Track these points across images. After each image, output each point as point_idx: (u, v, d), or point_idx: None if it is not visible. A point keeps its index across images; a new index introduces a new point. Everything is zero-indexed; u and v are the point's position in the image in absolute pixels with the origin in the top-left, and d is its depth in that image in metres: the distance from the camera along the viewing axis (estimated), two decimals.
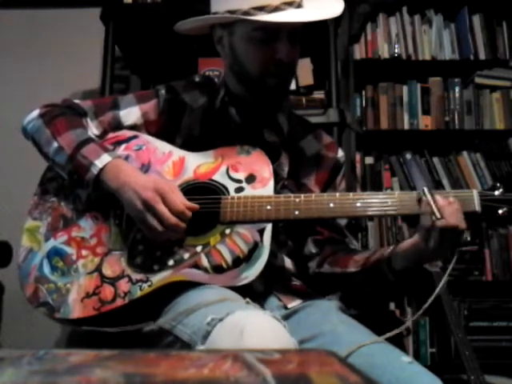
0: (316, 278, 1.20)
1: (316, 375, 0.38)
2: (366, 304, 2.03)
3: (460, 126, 2.41)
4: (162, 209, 1.02)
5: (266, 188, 1.09)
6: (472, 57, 2.43)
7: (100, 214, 1.14)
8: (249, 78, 1.17)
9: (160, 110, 1.23)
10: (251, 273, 1.00)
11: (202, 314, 0.87)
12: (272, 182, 1.10)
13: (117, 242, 1.10)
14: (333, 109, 1.97)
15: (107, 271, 1.07)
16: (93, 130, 1.21)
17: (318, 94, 2.15)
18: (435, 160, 2.42)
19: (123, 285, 1.04)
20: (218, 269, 1.02)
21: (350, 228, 1.27)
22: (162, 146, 1.19)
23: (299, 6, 1.12)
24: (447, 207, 0.96)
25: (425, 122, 2.42)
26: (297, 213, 1.06)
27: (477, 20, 2.48)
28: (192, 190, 1.12)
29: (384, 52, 2.45)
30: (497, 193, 1.02)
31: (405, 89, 2.45)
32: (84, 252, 1.10)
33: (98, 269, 1.07)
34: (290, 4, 1.10)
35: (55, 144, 1.13)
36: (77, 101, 1.26)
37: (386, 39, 2.47)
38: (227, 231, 1.06)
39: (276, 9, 1.09)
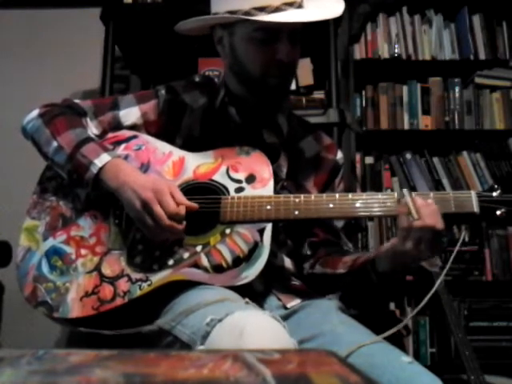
0: (309, 279, 1.21)
1: (316, 375, 0.38)
2: (366, 304, 2.03)
3: (460, 126, 2.41)
4: (157, 210, 1.02)
5: (265, 188, 1.09)
6: (472, 57, 2.43)
7: (99, 213, 1.14)
8: (249, 78, 1.17)
9: (160, 110, 1.23)
10: (251, 272, 1.01)
11: (201, 315, 0.87)
12: (272, 182, 1.10)
13: (116, 241, 1.10)
14: (333, 109, 1.97)
15: (106, 270, 1.07)
16: (92, 129, 1.21)
17: (318, 94, 2.15)
18: (435, 160, 2.42)
19: (123, 284, 1.04)
20: (217, 268, 1.02)
21: (346, 230, 1.28)
22: (162, 146, 1.19)
23: (300, 6, 1.12)
24: (425, 208, 0.97)
25: (425, 122, 2.42)
26: (296, 213, 1.06)
27: (477, 20, 2.48)
28: (192, 190, 1.12)
29: (384, 52, 2.45)
30: (495, 194, 1.03)
31: (405, 89, 2.45)
32: (83, 251, 1.10)
33: (98, 268, 1.07)
34: (290, 4, 1.10)
35: (55, 143, 1.13)
36: (77, 101, 1.26)
37: (385, 39, 2.47)
38: (227, 231, 1.06)
39: (277, 9, 1.09)
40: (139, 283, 1.04)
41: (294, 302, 1.10)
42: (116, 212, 1.13)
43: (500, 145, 2.39)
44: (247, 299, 0.93)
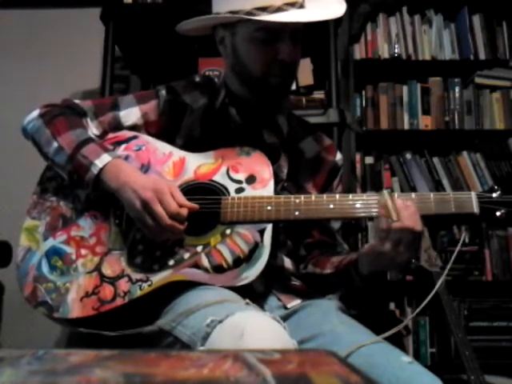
0: (304, 279, 1.21)
1: (316, 375, 0.38)
2: (366, 304, 2.03)
3: (460, 126, 2.41)
4: (158, 210, 1.02)
5: (266, 189, 1.09)
6: (472, 57, 2.43)
7: (99, 214, 1.14)
8: (251, 78, 1.17)
9: (160, 110, 1.23)
10: (251, 273, 1.01)
11: (201, 315, 0.87)
12: (272, 182, 1.10)
13: (116, 241, 1.10)
14: (333, 109, 1.97)
15: (107, 271, 1.07)
16: (93, 130, 1.21)
17: (318, 94, 2.15)
18: (435, 160, 2.42)
19: (123, 284, 1.04)
20: (218, 269, 1.02)
21: (343, 231, 1.28)
22: (162, 147, 1.19)
23: (301, 6, 1.12)
24: (404, 210, 0.97)
25: (425, 122, 2.42)
26: (297, 213, 1.06)
27: (477, 20, 2.48)
28: (192, 190, 1.12)
29: (384, 52, 2.45)
30: (495, 195, 1.03)
31: (405, 89, 2.45)
32: (83, 251, 1.10)
33: (98, 268, 1.07)
34: (292, 5, 1.10)
35: (55, 144, 1.13)
36: (77, 101, 1.26)
37: (386, 39, 2.47)
38: (228, 231, 1.06)
39: (278, 9, 1.09)
40: (139, 283, 1.04)
41: (294, 302, 1.10)
42: (116, 212, 1.13)
43: (500, 145, 2.39)
44: (247, 300, 0.93)
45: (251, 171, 1.12)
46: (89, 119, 1.22)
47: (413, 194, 1.05)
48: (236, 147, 1.16)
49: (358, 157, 2.42)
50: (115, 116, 1.23)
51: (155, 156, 1.18)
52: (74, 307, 1.04)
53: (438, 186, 2.37)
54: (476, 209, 1.01)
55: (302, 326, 1.03)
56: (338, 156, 1.33)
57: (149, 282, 1.03)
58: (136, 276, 1.05)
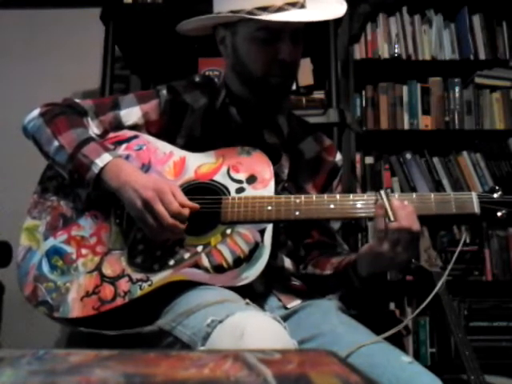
0: (304, 280, 1.21)
1: (316, 375, 0.38)
2: (366, 304, 2.03)
3: (460, 126, 2.41)
4: (160, 209, 1.02)
5: (266, 189, 1.09)
6: (472, 57, 2.43)
7: (100, 213, 1.14)
8: (251, 78, 1.17)
9: (161, 110, 1.23)
10: (252, 273, 1.01)
11: (201, 316, 0.87)
12: (273, 182, 1.10)
13: (117, 241, 1.10)
14: (333, 109, 1.97)
15: (107, 270, 1.07)
16: (93, 129, 1.21)
17: (318, 94, 2.15)
18: (435, 160, 2.42)
19: (123, 284, 1.04)
20: (218, 269, 1.02)
21: (343, 231, 1.28)
22: (163, 146, 1.19)
23: (302, 6, 1.12)
24: (401, 210, 0.97)
25: (425, 122, 2.42)
26: (297, 213, 1.06)
27: (477, 20, 2.48)
28: (193, 190, 1.12)
29: (384, 52, 2.45)
30: (495, 195, 1.03)
31: (405, 89, 2.45)
32: (84, 251, 1.10)
33: (98, 268, 1.07)
34: (293, 5, 1.10)
35: (56, 143, 1.13)
36: (77, 100, 1.26)
37: (386, 39, 2.47)
38: (228, 231, 1.06)
39: (279, 9, 1.09)
40: (140, 283, 1.04)
41: (294, 303, 1.10)
42: (117, 212, 1.13)
43: (500, 145, 2.39)
44: (247, 300, 0.93)
45: (252, 171, 1.12)
46: (89, 118, 1.22)
47: (413, 195, 1.05)
48: (237, 147, 1.16)
49: (358, 157, 2.42)
50: (116, 115, 1.23)
51: (156, 156, 1.18)
52: (75, 307, 1.04)
53: (438, 186, 2.37)
54: (477, 209, 1.01)
55: (302, 326, 1.03)
56: (338, 156, 1.33)
57: (149, 282, 1.03)
58: (136, 276, 1.05)
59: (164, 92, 1.24)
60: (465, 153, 2.41)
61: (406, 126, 2.42)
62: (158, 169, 1.16)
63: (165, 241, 1.06)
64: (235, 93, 1.24)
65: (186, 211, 1.04)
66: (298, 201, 1.06)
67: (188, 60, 2.14)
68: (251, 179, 1.11)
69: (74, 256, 1.10)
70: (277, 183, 1.12)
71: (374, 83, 2.45)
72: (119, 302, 1.03)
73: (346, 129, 2.18)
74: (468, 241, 2.27)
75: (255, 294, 1.03)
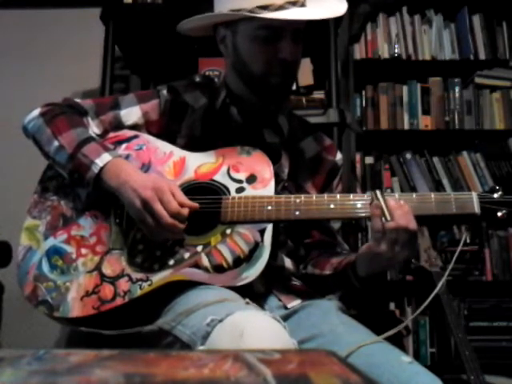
0: (304, 280, 1.21)
1: (316, 375, 0.38)
2: (366, 304, 2.03)
3: (460, 125, 2.41)
4: (158, 208, 1.01)
5: (266, 188, 1.09)
6: (472, 57, 2.43)
7: (100, 213, 1.14)
8: (252, 77, 1.17)
9: (161, 110, 1.23)
10: (252, 273, 1.01)
11: (201, 315, 0.87)
12: (273, 182, 1.10)
13: (117, 240, 1.10)
14: (333, 109, 1.97)
15: (107, 270, 1.07)
16: (94, 129, 1.21)
17: (318, 94, 2.15)
18: (435, 160, 2.42)
19: (123, 284, 1.04)
20: (218, 268, 1.02)
21: (343, 231, 1.28)
22: (163, 146, 1.19)
23: (303, 5, 1.12)
24: (397, 209, 0.97)
25: (425, 122, 2.42)
26: (297, 213, 1.06)
27: (477, 20, 2.48)
28: (193, 190, 1.11)
29: (384, 52, 2.45)
30: (496, 195, 1.03)
31: (405, 89, 2.45)
32: (84, 251, 1.10)
33: (98, 267, 1.07)
34: (293, 3, 1.10)
35: (56, 143, 1.13)
36: (78, 100, 1.26)
37: (386, 39, 2.47)
38: (228, 231, 1.06)
39: (280, 8, 1.09)
40: (140, 283, 1.04)
41: (294, 303, 1.10)
42: (117, 211, 1.13)
43: (500, 145, 2.39)
44: (247, 299, 0.93)
45: (252, 171, 1.12)
46: (90, 118, 1.22)
47: (413, 195, 1.05)
48: (237, 147, 1.16)
49: (358, 157, 2.42)
50: (116, 115, 1.23)
51: (156, 155, 1.18)
52: (75, 306, 1.05)
53: (438, 186, 2.37)
54: (477, 209, 1.01)
55: (302, 326, 1.03)
56: (338, 156, 1.33)
57: (149, 282, 1.03)
58: (136, 275, 1.05)
59: (164, 92, 1.24)
60: (465, 153, 2.41)
61: (406, 126, 2.42)
62: (158, 169, 1.16)
63: (164, 241, 1.06)
64: (235, 92, 1.24)
65: (186, 211, 1.04)
66: (298, 201, 1.06)
67: (188, 60, 2.14)
68: (251, 179, 1.11)
69: (74, 255, 1.10)
70: (277, 183, 1.12)
71: (374, 83, 2.45)
72: (119, 301, 1.03)
73: (346, 129, 2.18)
74: (468, 241, 2.27)
75: (255, 294, 1.03)
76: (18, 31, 2.60)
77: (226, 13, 1.15)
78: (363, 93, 2.46)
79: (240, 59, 1.18)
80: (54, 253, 1.11)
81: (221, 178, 1.12)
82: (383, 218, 0.97)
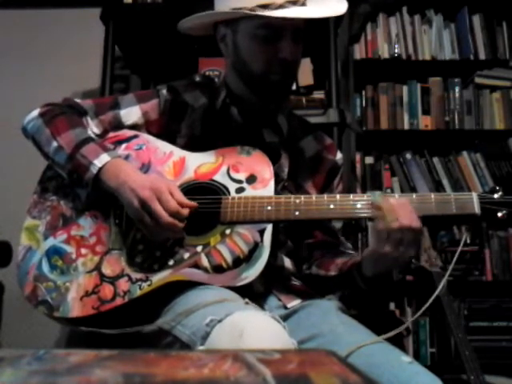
0: (306, 280, 1.21)
1: (316, 375, 0.38)
2: (366, 304, 2.03)
3: (460, 125, 2.41)
4: (157, 208, 1.01)
5: (266, 188, 1.09)
6: (472, 57, 2.43)
7: (99, 213, 1.14)
8: (252, 76, 1.17)
9: (161, 109, 1.23)
10: (251, 273, 1.00)
11: (201, 315, 0.87)
12: (272, 182, 1.10)
13: (116, 241, 1.10)
14: (333, 109, 1.97)
15: (107, 270, 1.07)
16: (93, 129, 1.21)
17: (318, 94, 2.15)
18: (435, 160, 2.42)
19: (123, 284, 1.04)
20: (218, 269, 1.02)
21: (344, 231, 1.28)
22: (163, 146, 1.19)
23: (303, 4, 1.12)
24: (399, 209, 0.97)
25: (425, 122, 2.42)
26: (297, 213, 1.06)
27: (477, 20, 2.48)
28: (192, 190, 1.11)
29: (384, 52, 2.45)
30: (496, 196, 1.03)
31: (405, 89, 2.45)
32: (83, 251, 1.10)
33: (98, 268, 1.07)
34: (294, 3, 1.10)
35: (55, 143, 1.13)
36: (77, 100, 1.26)
37: (386, 39, 2.47)
38: (227, 231, 1.06)
39: (280, 7, 1.09)
40: (139, 283, 1.04)
41: (294, 302, 1.10)
42: (116, 212, 1.13)
43: (500, 145, 2.39)
44: (247, 299, 0.93)
45: (252, 171, 1.12)
46: (89, 118, 1.22)
47: (413, 195, 1.05)
48: (236, 147, 1.16)
49: (358, 157, 2.42)
50: (116, 115, 1.22)
51: (156, 155, 1.18)
52: (74, 306, 1.05)
53: (438, 186, 2.37)
54: (477, 210, 1.01)
55: (302, 326, 1.03)
56: (339, 155, 1.33)
57: (148, 282, 1.03)
58: (136, 276, 1.05)
59: (164, 92, 1.24)
60: (465, 153, 2.41)
61: (406, 126, 2.42)
62: (158, 169, 1.16)
63: (164, 240, 1.06)
64: (235, 92, 1.24)
65: (185, 210, 1.04)
66: (297, 201, 1.06)
67: (188, 60, 2.14)
68: (251, 179, 1.11)
69: (74, 256, 1.10)
70: (277, 182, 1.12)
71: (374, 83, 2.45)
72: (119, 301, 1.03)
73: (346, 129, 2.18)
74: (468, 241, 2.27)
75: (255, 294, 1.03)
76: (18, 31, 2.60)
77: (226, 11, 1.15)
78: (363, 93, 2.46)
79: (240, 58, 1.18)
80: (53, 253, 1.11)
81: (220, 178, 1.12)
82: (386, 219, 0.97)
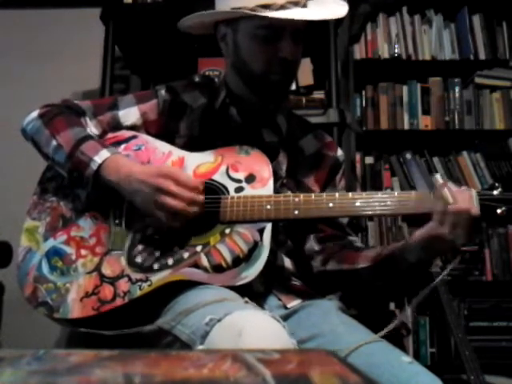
0: (320, 277, 1.20)
1: (316, 375, 0.38)
2: (366, 304, 2.03)
3: (460, 125, 2.41)
4: (175, 188, 1.03)
5: (265, 188, 1.09)
6: (472, 57, 2.43)
7: (99, 214, 1.13)
8: (252, 76, 1.17)
9: (160, 110, 1.23)
10: (251, 272, 1.01)
11: (200, 314, 0.88)
12: (272, 181, 1.10)
13: (116, 241, 1.10)
14: (333, 109, 1.97)
15: (107, 271, 1.07)
16: (92, 129, 1.21)
17: (318, 94, 2.15)
18: (435, 160, 2.42)
19: (123, 284, 1.04)
20: (217, 268, 1.02)
21: (351, 226, 1.28)
22: (162, 146, 1.19)
23: (304, 5, 1.13)
24: (459, 193, 0.99)
25: (425, 122, 2.42)
26: (296, 212, 1.06)
27: (477, 20, 2.48)
28: None
29: (384, 52, 2.45)
30: (495, 192, 1.03)
31: (405, 89, 2.45)
32: (83, 251, 1.10)
33: (98, 268, 1.07)
34: (295, 4, 1.10)
35: (54, 143, 1.13)
36: (76, 101, 1.26)
37: (386, 39, 2.47)
38: (227, 231, 1.06)
39: (281, 7, 1.09)
40: (139, 283, 1.04)
41: (294, 302, 1.10)
42: (116, 212, 1.13)
43: (500, 145, 2.39)
44: (246, 299, 0.93)
45: (251, 170, 1.12)
46: (88, 118, 1.22)
47: (413, 193, 1.05)
48: (235, 146, 1.16)
49: (358, 157, 2.42)
50: (114, 116, 1.23)
51: (155, 155, 1.18)
52: (74, 307, 1.05)
53: None
54: (476, 207, 1.01)
55: (302, 325, 1.03)
56: (339, 152, 1.33)
57: (148, 282, 1.03)
58: (136, 276, 1.05)
59: (162, 92, 1.24)
60: (465, 153, 2.41)
61: (406, 126, 2.42)
62: None
63: (182, 224, 1.05)
64: (235, 92, 1.24)
65: (198, 181, 1.06)
66: (296, 200, 1.06)
67: (188, 60, 2.14)
68: (250, 178, 1.11)
69: (74, 257, 1.10)
70: (275, 180, 1.12)
71: (374, 83, 2.45)
72: (119, 302, 1.03)
73: (346, 129, 2.18)
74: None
75: (255, 294, 1.03)
76: (18, 31, 2.60)
77: (227, 10, 1.15)
78: (363, 93, 2.46)
79: (240, 58, 1.18)
80: (53, 254, 1.11)
81: (220, 177, 1.12)
82: (445, 201, 0.98)
